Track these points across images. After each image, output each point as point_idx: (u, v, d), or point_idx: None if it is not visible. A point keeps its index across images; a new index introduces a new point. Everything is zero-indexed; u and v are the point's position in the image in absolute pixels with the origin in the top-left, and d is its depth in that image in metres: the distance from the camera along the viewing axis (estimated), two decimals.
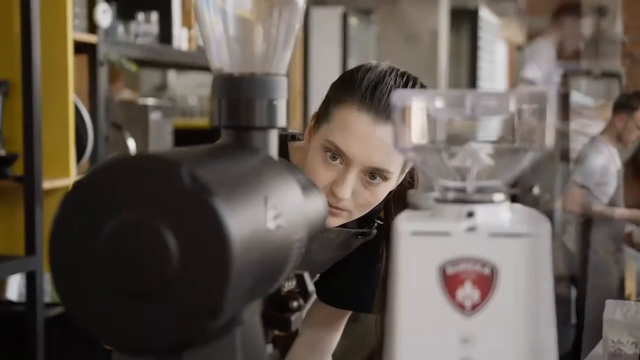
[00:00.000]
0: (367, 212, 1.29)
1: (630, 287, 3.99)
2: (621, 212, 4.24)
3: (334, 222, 1.27)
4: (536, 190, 4.29)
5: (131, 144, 2.82)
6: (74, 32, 2.51)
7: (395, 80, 1.25)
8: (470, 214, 0.69)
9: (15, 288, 2.58)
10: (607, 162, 3.93)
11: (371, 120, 1.21)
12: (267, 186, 0.71)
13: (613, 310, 1.89)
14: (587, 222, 4.11)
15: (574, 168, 4.08)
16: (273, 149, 0.81)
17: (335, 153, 1.23)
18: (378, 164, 1.22)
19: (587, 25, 9.16)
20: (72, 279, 0.62)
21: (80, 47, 2.59)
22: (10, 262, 2.28)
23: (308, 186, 0.85)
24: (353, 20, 4.97)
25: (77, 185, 0.62)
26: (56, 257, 0.63)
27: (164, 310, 0.60)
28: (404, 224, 0.68)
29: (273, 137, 0.81)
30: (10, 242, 2.41)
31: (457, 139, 0.72)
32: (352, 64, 5.34)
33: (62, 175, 2.47)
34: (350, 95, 1.24)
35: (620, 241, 4.14)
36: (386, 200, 1.32)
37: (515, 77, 9.47)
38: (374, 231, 1.40)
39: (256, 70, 0.81)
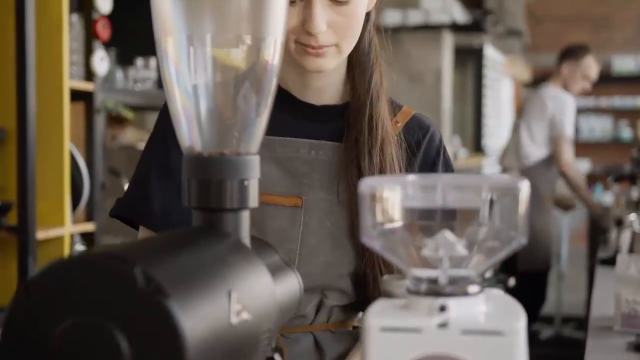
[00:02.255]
0: (355, 38, 1.18)
1: None
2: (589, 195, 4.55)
3: (325, 63, 1.17)
4: None
5: None
6: (71, 80, 2.51)
7: None
8: (443, 308, 0.66)
9: None
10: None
11: None
12: (232, 278, 0.69)
13: (626, 266, 1.71)
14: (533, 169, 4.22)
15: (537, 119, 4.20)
16: (244, 231, 0.78)
17: None
18: None
19: None
20: None
21: (78, 95, 2.58)
22: (3, 313, 2.24)
23: (280, 267, 0.83)
24: None
25: (28, 284, 0.59)
26: (7, 358, 0.60)
27: None
28: (374, 319, 0.66)
29: (245, 218, 0.78)
30: (3, 293, 2.38)
31: (428, 227, 0.69)
32: None
33: (57, 224, 2.45)
34: None
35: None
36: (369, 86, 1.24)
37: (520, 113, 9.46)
38: None
39: (227, 149, 0.78)
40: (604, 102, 9.80)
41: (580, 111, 9.84)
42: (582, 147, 9.97)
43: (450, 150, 4.27)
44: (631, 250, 2.71)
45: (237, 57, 0.78)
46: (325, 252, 1.20)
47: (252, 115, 0.80)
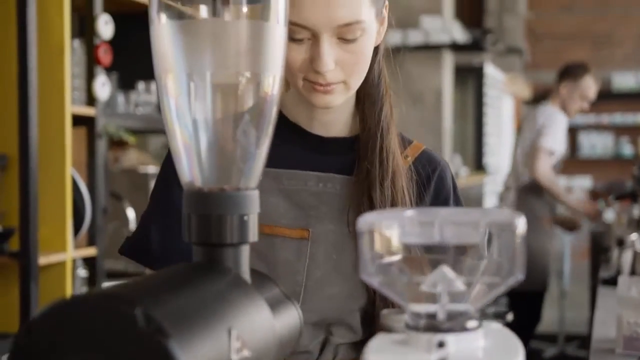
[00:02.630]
0: (363, 74, 1.17)
1: None
2: (571, 199, 4.48)
3: (333, 99, 1.16)
4: None
5: (130, 214, 2.81)
6: (73, 105, 2.52)
7: None
8: (441, 344, 0.66)
9: None
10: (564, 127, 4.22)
11: None
12: (232, 314, 0.69)
13: (627, 287, 1.69)
14: (527, 188, 4.21)
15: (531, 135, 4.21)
16: (244, 265, 0.79)
17: (295, 31, 1.11)
18: (343, 19, 1.10)
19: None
20: None
21: (79, 120, 2.59)
22: (5, 340, 2.25)
23: (280, 301, 0.83)
24: None
25: (30, 324, 0.60)
26: None
27: None
28: (373, 355, 0.66)
29: (245, 253, 0.79)
30: (4, 320, 2.38)
31: (427, 262, 0.69)
32: None
33: (59, 250, 2.46)
34: None
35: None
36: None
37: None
38: None
39: (227, 184, 0.79)
40: (605, 118, 9.83)
41: (582, 128, 9.87)
42: (584, 164, 9.99)
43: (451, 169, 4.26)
44: (633, 270, 2.70)
45: (237, 93, 0.79)
46: (332, 285, 1.18)
47: (251, 150, 0.81)
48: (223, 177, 0.79)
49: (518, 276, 0.67)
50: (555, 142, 4.14)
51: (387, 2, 1.23)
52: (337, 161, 1.24)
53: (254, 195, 0.79)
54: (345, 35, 1.12)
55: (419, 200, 1.24)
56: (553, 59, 9.96)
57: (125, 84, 2.93)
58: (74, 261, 2.54)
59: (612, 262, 3.44)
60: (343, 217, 1.20)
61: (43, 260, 2.37)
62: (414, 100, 5.31)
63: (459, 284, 0.68)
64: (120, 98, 2.88)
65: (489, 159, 7.19)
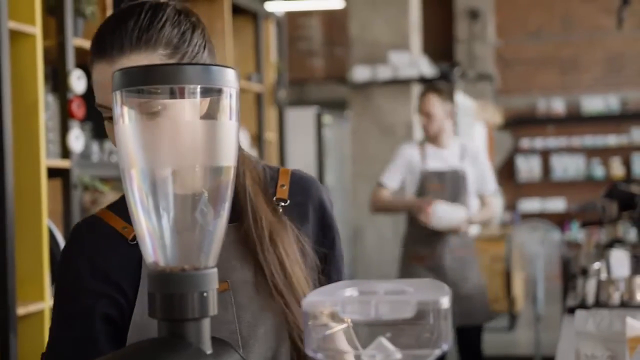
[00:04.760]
0: None
1: None
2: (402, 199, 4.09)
3: None
4: None
5: None
6: (48, 158, 2.59)
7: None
8: None
9: None
10: None
11: (108, 62, 1.14)
12: None
13: (585, 321, 1.74)
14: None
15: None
16: (205, 337, 0.87)
17: (104, 112, 1.15)
18: None
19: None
20: None
21: (54, 172, 2.66)
22: None
23: None
24: (327, 118, 5.09)
25: None
26: None
27: None
28: None
29: (205, 326, 0.87)
30: None
31: (366, 335, 0.78)
32: (327, 158, 5.47)
33: (36, 299, 2.52)
34: (91, 50, 1.17)
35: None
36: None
37: (494, 157, 9.64)
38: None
39: (187, 264, 0.87)
40: (576, 141, 10.00)
41: (554, 151, 10.04)
42: (557, 186, 10.16)
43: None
44: (597, 300, 2.78)
45: (195, 181, 0.88)
46: (264, 322, 1.24)
47: (209, 229, 0.89)
48: (184, 257, 0.88)
49: (443, 347, 0.76)
50: (387, 175, 4.03)
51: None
52: None
53: (213, 273, 0.87)
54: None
55: (302, 228, 1.28)
56: (523, 84, 10.16)
57: (99, 133, 3.01)
58: (51, 310, 2.59)
59: (578, 290, 3.52)
60: (251, 260, 1.25)
61: (21, 310, 2.43)
62: (385, 132, 5.43)
63: (396, 354, 0.77)
64: (95, 147, 2.95)
65: None
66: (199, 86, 0.85)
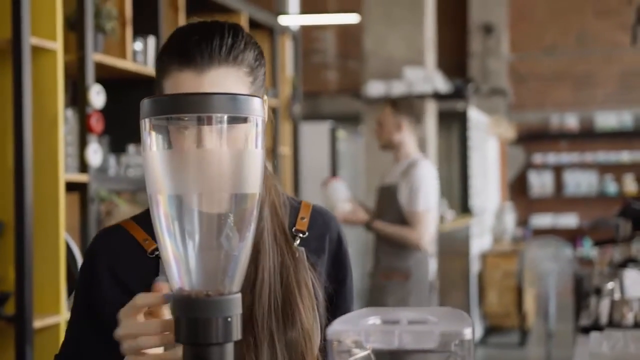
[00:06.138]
0: None
1: None
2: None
3: None
4: None
5: None
6: (66, 173, 2.62)
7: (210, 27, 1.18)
8: None
9: None
10: None
11: (196, 72, 1.14)
12: None
13: (599, 343, 1.78)
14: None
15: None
16: None
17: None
18: None
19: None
20: None
21: (72, 186, 2.69)
22: None
23: None
24: (341, 133, 5.10)
25: None
26: None
27: None
28: None
29: (229, 351, 0.89)
30: None
31: None
32: (341, 172, 5.48)
33: (53, 312, 2.54)
34: (168, 58, 1.16)
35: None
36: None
37: (507, 172, 9.63)
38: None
39: (211, 290, 0.89)
40: (589, 157, 9.97)
41: (566, 166, 10.02)
42: (569, 202, 10.12)
43: (437, 213, 4.38)
44: (610, 320, 2.78)
45: (221, 208, 0.90)
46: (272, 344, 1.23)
47: (234, 254, 0.91)
48: (208, 282, 0.89)
49: None
50: None
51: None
52: None
53: (236, 299, 0.89)
54: None
55: (318, 261, 1.29)
56: (537, 99, 10.16)
57: (117, 147, 3.03)
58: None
59: (591, 310, 3.51)
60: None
61: (38, 323, 2.45)
62: None
63: None
64: (112, 161, 2.98)
65: (474, 201, 7.31)
66: (226, 115, 0.87)
